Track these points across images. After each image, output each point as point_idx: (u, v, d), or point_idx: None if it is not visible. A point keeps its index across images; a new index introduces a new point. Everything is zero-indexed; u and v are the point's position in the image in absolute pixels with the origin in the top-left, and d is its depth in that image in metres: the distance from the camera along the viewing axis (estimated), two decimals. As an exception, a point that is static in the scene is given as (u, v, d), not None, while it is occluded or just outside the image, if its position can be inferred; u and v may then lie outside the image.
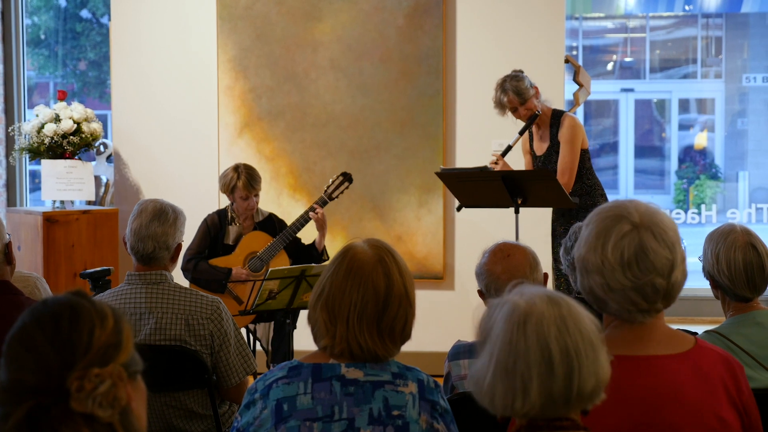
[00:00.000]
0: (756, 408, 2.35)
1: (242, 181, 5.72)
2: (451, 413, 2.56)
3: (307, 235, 5.95)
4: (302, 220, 5.82)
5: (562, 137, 5.62)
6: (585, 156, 5.70)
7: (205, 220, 5.89)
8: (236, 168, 5.78)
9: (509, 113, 5.67)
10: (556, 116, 5.69)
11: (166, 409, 3.69)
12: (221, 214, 5.91)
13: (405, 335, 2.52)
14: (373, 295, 2.45)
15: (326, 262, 5.89)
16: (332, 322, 2.46)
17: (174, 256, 3.77)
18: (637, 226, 2.24)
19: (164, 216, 3.71)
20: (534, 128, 5.80)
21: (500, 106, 5.63)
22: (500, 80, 5.64)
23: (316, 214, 5.79)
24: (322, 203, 5.86)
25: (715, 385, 2.28)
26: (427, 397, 2.49)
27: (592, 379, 1.86)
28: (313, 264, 5.22)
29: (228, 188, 5.78)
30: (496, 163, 5.58)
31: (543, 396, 1.84)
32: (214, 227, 5.86)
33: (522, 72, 5.65)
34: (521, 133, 5.65)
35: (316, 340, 2.52)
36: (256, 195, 5.80)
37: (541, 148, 5.76)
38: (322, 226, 5.84)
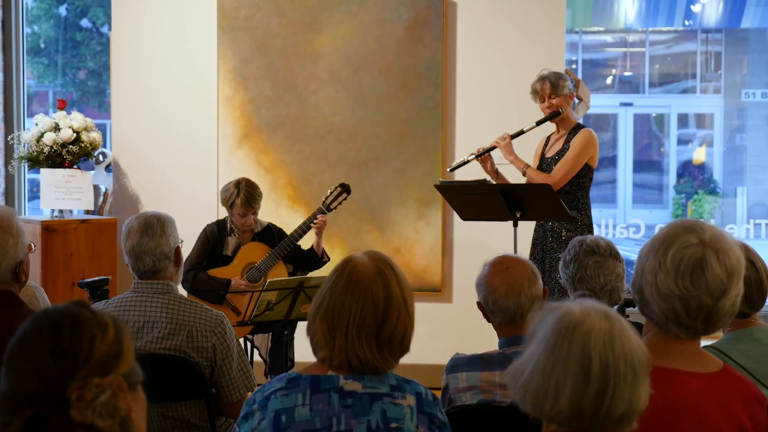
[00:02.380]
0: None
1: (241, 198, 5.71)
2: (449, 426, 2.56)
3: (304, 242, 5.95)
4: (300, 231, 5.82)
5: (573, 142, 5.68)
6: (588, 174, 5.72)
7: (205, 230, 5.89)
8: (238, 184, 5.76)
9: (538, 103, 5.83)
10: (578, 127, 5.75)
11: (162, 420, 3.69)
12: (221, 224, 5.91)
13: (404, 347, 2.52)
14: (372, 307, 2.45)
15: (326, 263, 5.94)
16: (331, 333, 2.46)
17: (177, 261, 3.79)
18: (705, 243, 2.26)
19: (151, 229, 3.72)
20: (554, 134, 5.88)
21: (534, 92, 5.79)
22: (545, 71, 5.80)
23: (317, 222, 5.81)
24: (321, 214, 5.87)
25: (730, 412, 2.28)
26: (425, 410, 2.50)
27: (623, 404, 1.86)
28: (311, 276, 5.23)
29: (227, 203, 5.79)
30: (504, 139, 5.68)
31: (572, 405, 1.85)
32: (213, 238, 5.86)
33: (572, 77, 5.80)
34: (538, 123, 5.75)
35: (315, 351, 2.52)
36: (255, 213, 5.80)
37: (552, 150, 5.80)
38: (320, 232, 5.87)
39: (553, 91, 5.70)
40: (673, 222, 2.36)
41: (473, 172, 6.05)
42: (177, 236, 3.81)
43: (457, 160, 5.88)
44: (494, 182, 5.77)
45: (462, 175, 6.41)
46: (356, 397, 2.44)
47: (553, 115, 5.72)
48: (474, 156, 5.70)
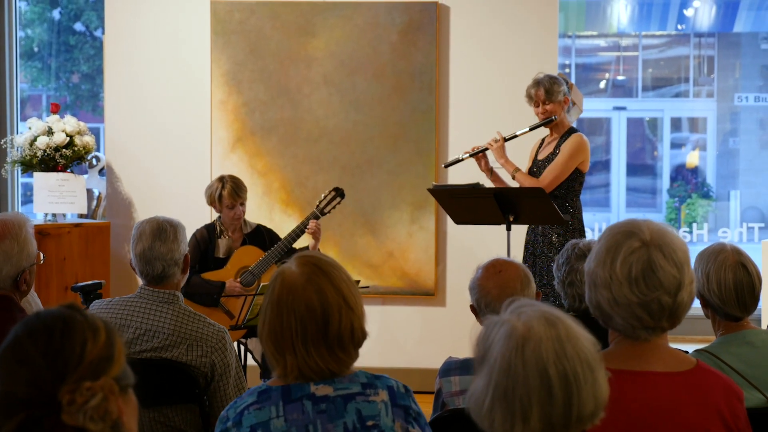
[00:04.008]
0: None
1: (227, 189, 5.78)
2: (424, 417, 2.55)
3: (297, 243, 5.96)
4: (294, 235, 5.83)
5: (563, 147, 5.67)
6: (579, 178, 5.71)
7: (194, 234, 5.90)
8: (221, 178, 5.87)
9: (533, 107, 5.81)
10: (571, 131, 5.75)
11: (153, 425, 3.67)
12: (210, 228, 5.93)
13: (357, 340, 2.48)
14: (309, 315, 2.42)
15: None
16: (280, 352, 2.43)
17: (184, 268, 3.78)
18: (647, 243, 2.26)
19: (164, 234, 3.70)
20: (548, 136, 5.88)
21: (528, 96, 5.77)
22: (541, 75, 5.77)
23: (311, 228, 5.83)
24: (314, 218, 5.89)
25: (711, 407, 2.28)
26: (399, 402, 2.49)
27: (591, 402, 1.85)
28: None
29: (213, 198, 5.82)
30: (496, 141, 5.67)
31: (543, 422, 1.82)
32: (204, 241, 5.87)
33: (565, 81, 5.80)
34: (531, 128, 5.74)
35: (270, 369, 2.51)
36: (242, 204, 5.84)
37: (543, 153, 5.80)
38: (316, 237, 5.89)
39: (547, 97, 5.68)
40: (608, 230, 2.35)
41: (467, 176, 6.06)
42: (187, 243, 3.80)
43: (452, 157, 5.88)
44: (489, 180, 5.79)
45: (458, 176, 6.42)
46: (329, 401, 2.42)
47: (546, 122, 5.71)
48: (469, 155, 5.71)
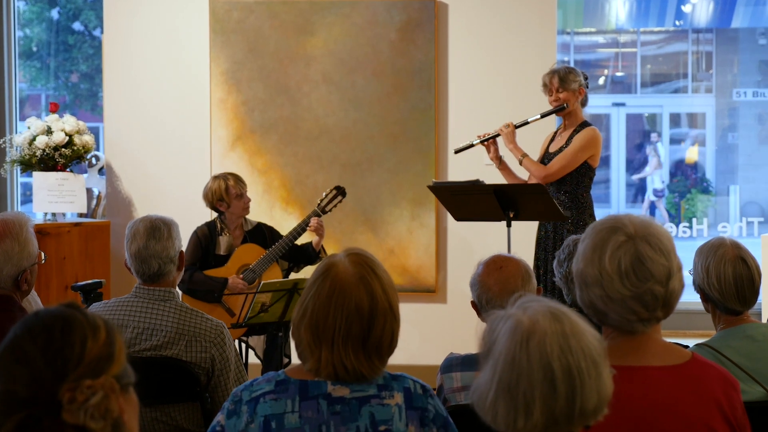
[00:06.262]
0: (749, 426, 2.36)
1: (232, 180, 5.83)
2: (445, 417, 2.52)
3: (299, 240, 5.96)
4: (295, 233, 5.84)
5: (575, 138, 5.66)
6: (589, 173, 5.69)
7: (195, 232, 5.90)
8: (216, 177, 5.90)
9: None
10: (585, 125, 5.74)
11: (155, 424, 3.67)
12: (211, 225, 5.92)
13: (392, 348, 2.50)
14: (356, 315, 2.42)
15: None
16: (317, 344, 2.42)
17: (180, 266, 3.77)
18: (632, 236, 2.26)
19: (158, 232, 3.70)
20: (560, 128, 5.87)
21: (543, 85, 5.77)
22: (556, 65, 5.80)
23: (313, 225, 5.84)
24: (315, 216, 5.89)
25: (709, 399, 2.28)
26: (414, 405, 2.47)
27: (594, 397, 1.85)
28: (305, 278, 5.23)
29: (219, 194, 5.81)
30: (507, 127, 5.67)
31: (545, 415, 1.83)
32: (205, 238, 5.87)
33: (585, 75, 5.82)
34: (543, 115, 5.73)
35: (301, 358, 2.50)
36: (246, 192, 5.89)
37: (555, 146, 5.79)
38: (320, 233, 5.90)
39: (561, 85, 5.67)
40: (591, 228, 2.35)
41: (467, 172, 6.05)
42: (181, 240, 3.79)
43: (463, 143, 5.84)
44: (497, 169, 5.78)
45: (458, 173, 6.40)
46: (344, 402, 2.42)
47: (557, 109, 5.70)
48: (480, 140, 5.71)
